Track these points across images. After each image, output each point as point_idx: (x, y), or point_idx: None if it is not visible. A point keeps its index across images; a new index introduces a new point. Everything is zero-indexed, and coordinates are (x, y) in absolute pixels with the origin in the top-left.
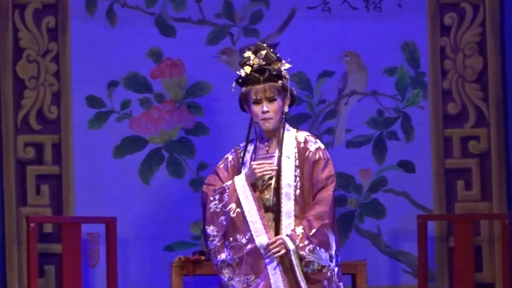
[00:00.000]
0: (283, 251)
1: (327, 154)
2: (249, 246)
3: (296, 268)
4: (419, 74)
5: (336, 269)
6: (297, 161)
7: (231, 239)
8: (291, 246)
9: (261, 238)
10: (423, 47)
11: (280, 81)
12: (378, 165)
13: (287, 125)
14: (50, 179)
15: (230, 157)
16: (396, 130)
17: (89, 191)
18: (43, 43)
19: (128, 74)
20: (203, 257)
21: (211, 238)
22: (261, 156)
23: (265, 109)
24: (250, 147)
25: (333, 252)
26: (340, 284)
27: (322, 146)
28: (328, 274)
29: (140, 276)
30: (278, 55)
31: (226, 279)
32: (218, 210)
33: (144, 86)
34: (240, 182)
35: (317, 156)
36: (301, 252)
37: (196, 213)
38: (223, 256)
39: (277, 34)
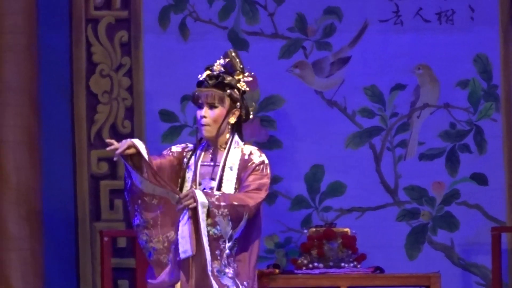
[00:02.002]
0: (194, 204)
1: (268, 170)
2: (162, 204)
3: (200, 222)
4: (492, 86)
5: (227, 251)
6: (238, 172)
7: (139, 201)
8: (200, 199)
9: (171, 195)
10: (495, 60)
11: (229, 91)
12: (451, 178)
13: (236, 137)
14: (124, 194)
15: (174, 148)
16: (469, 143)
17: None
18: (116, 57)
19: None
20: (277, 270)
21: (127, 204)
22: (205, 164)
23: (203, 113)
24: (197, 152)
25: (234, 234)
26: (227, 269)
27: (267, 161)
28: (221, 246)
29: None
30: (241, 66)
31: (144, 242)
32: (125, 176)
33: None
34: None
35: (257, 168)
36: (214, 209)
37: (270, 227)
38: (136, 220)
39: (349, 47)
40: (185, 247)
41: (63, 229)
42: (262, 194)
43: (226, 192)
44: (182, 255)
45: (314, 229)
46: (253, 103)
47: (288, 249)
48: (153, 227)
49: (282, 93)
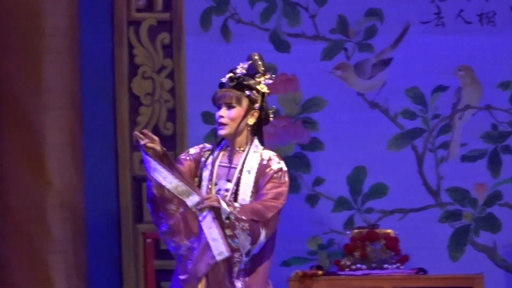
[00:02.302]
0: (219, 205)
1: (286, 178)
2: (181, 210)
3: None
4: None
5: (242, 265)
6: (256, 176)
7: (161, 209)
8: (224, 206)
9: (192, 198)
10: None
11: (247, 92)
12: (493, 179)
13: (255, 141)
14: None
15: (192, 151)
16: (511, 144)
17: None
18: (158, 59)
19: None
20: (320, 272)
21: (151, 215)
22: (222, 165)
23: (220, 113)
24: (216, 152)
25: (251, 251)
26: (237, 282)
27: (285, 169)
28: (236, 259)
29: None
30: (263, 69)
31: (173, 249)
32: (147, 185)
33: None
34: (143, 157)
35: (275, 175)
36: (234, 221)
37: (312, 228)
38: (162, 228)
39: (391, 49)
40: (220, 249)
41: (106, 231)
42: (279, 204)
43: (242, 194)
44: (218, 257)
45: (357, 230)
46: (273, 106)
47: (330, 250)
48: (177, 233)
49: (324, 94)
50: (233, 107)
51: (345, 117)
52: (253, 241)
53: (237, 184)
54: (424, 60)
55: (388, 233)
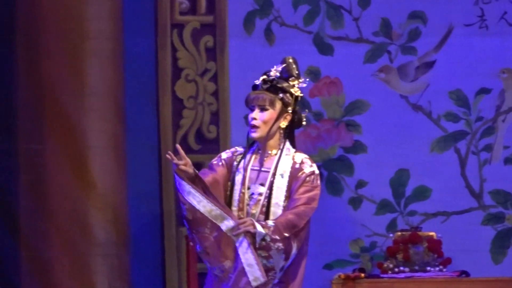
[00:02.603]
0: (254, 230)
1: (318, 181)
2: (215, 234)
3: (252, 246)
4: None
5: (276, 280)
6: (289, 180)
7: (194, 231)
8: (259, 229)
9: (226, 222)
10: None
11: (281, 95)
12: None
13: (287, 144)
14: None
15: (224, 155)
16: None
17: None
18: (201, 62)
19: None
20: (363, 274)
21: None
22: (254, 168)
23: (253, 115)
24: (248, 156)
25: (284, 266)
26: None
27: (317, 172)
28: (270, 277)
29: None
30: (297, 72)
31: (209, 268)
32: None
33: (302, 105)
34: (176, 180)
35: (308, 178)
36: (270, 243)
37: (355, 231)
38: (198, 248)
39: (434, 51)
40: (255, 275)
41: (149, 234)
42: (311, 209)
43: (275, 198)
44: (254, 283)
45: (399, 233)
46: (306, 110)
47: (373, 253)
48: (211, 256)
49: (367, 97)
50: (266, 109)
51: (388, 119)
52: (286, 258)
53: (270, 188)
54: (467, 62)
55: (431, 235)
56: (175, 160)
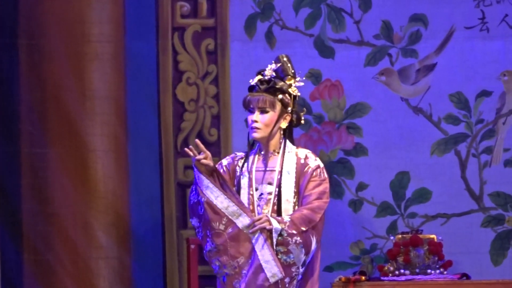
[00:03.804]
0: (270, 226)
1: (325, 174)
2: (229, 230)
3: (269, 242)
4: None
5: (300, 276)
6: (296, 177)
7: (209, 227)
8: (275, 225)
9: (242, 219)
10: None
11: (280, 96)
12: None
13: (287, 142)
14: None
15: (225, 162)
16: None
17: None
18: (202, 65)
19: None
20: (363, 277)
21: (196, 230)
22: (259, 169)
23: (254, 118)
24: (250, 158)
25: (307, 260)
26: None
27: (322, 165)
28: (294, 273)
29: None
30: (293, 71)
31: (217, 268)
32: (195, 201)
33: (303, 106)
34: (196, 174)
35: (314, 173)
36: (287, 238)
37: (356, 233)
38: (208, 246)
39: (435, 54)
40: (273, 271)
41: (150, 237)
42: (324, 203)
43: (285, 196)
44: (272, 279)
45: (400, 235)
46: (304, 108)
47: (374, 255)
48: (223, 253)
49: (368, 100)
50: (267, 111)
51: (389, 122)
52: (307, 252)
53: (279, 185)
54: (468, 65)
55: (432, 238)
56: (197, 156)
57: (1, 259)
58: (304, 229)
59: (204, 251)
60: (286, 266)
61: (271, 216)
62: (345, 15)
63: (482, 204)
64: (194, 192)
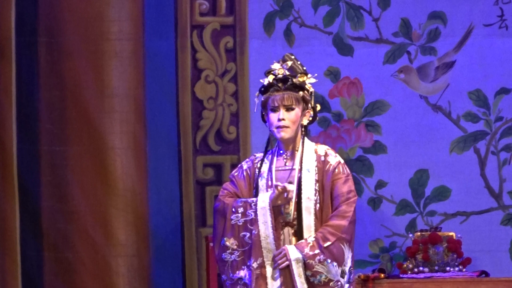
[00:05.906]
0: (287, 262)
1: (347, 169)
2: (258, 272)
3: (296, 278)
4: None
5: (346, 285)
6: (317, 174)
7: (252, 260)
8: (293, 255)
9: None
10: None
11: (301, 92)
12: None
13: (306, 139)
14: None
15: (245, 165)
16: None
17: None
18: (221, 63)
19: None
20: (382, 275)
21: (229, 251)
22: (279, 169)
23: (281, 116)
24: (268, 158)
25: (346, 268)
26: None
27: (342, 161)
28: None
29: None
30: (304, 68)
31: (222, 278)
32: (240, 224)
33: (322, 105)
34: (262, 205)
35: (337, 170)
36: (309, 261)
37: (375, 231)
38: (241, 273)
39: (454, 51)
40: None
41: (169, 235)
42: (353, 201)
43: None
44: None
45: (419, 233)
46: (317, 104)
47: (393, 253)
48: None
49: (387, 98)
50: (293, 109)
51: (408, 120)
52: (340, 262)
53: (299, 184)
54: (487, 62)
55: (451, 235)
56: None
57: (22, 257)
58: (328, 243)
59: (232, 276)
60: (322, 286)
61: (293, 241)
62: (364, 13)
63: (501, 202)
64: (238, 214)
